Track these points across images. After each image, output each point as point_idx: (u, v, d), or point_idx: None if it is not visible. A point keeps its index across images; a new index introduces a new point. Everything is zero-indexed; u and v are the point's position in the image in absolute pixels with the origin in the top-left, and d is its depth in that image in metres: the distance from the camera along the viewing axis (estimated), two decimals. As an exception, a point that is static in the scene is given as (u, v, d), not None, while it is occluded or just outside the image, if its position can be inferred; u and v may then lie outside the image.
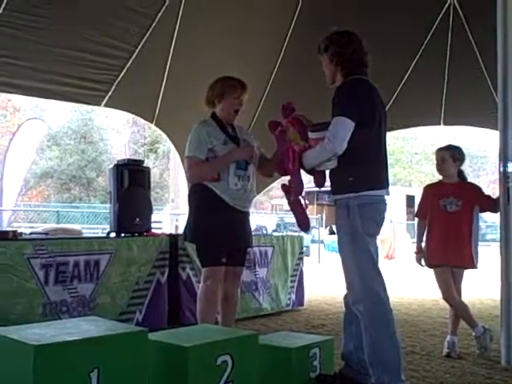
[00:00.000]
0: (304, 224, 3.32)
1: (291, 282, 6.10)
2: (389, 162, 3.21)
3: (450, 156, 4.07)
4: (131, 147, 31.20)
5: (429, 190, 4.25)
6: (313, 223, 20.01)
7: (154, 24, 6.11)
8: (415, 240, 4.28)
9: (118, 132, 32.54)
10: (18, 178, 12.03)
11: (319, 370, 3.16)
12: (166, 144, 20.47)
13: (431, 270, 4.14)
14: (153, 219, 5.11)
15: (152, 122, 7.12)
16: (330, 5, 6.65)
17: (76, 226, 9.42)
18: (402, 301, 6.94)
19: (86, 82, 6.09)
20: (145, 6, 5.96)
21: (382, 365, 2.89)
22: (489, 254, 10.20)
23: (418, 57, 7.60)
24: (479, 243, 4.10)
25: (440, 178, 4.21)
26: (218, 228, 3.57)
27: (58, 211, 18.01)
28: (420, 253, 4.14)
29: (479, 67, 7.32)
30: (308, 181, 3.64)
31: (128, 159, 5.26)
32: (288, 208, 3.42)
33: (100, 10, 5.62)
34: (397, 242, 17.21)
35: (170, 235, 5.13)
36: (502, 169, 3.85)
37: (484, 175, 35.36)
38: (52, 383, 2.12)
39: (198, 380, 2.51)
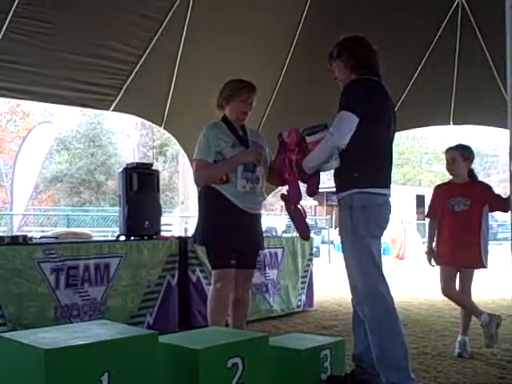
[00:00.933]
0: (304, 233, 3.32)
1: (301, 283, 6.08)
2: (398, 161, 3.23)
3: (460, 155, 4.05)
4: (140, 150, 31.38)
5: (439, 189, 4.25)
6: (322, 224, 20.03)
7: (161, 28, 6.12)
8: (425, 240, 4.26)
9: (127, 135, 32.74)
10: (29, 182, 12.08)
11: (330, 372, 3.15)
12: (175, 146, 20.47)
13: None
14: (163, 222, 5.14)
15: (161, 126, 7.13)
16: (337, 4, 6.64)
17: (86, 230, 9.47)
18: (412, 301, 6.91)
19: (94, 86, 6.10)
20: (152, 11, 5.98)
21: (390, 365, 2.89)
22: (500, 252, 10.13)
23: (426, 56, 7.57)
24: (490, 242, 4.07)
25: (450, 177, 4.19)
26: (227, 230, 3.57)
27: (67, 215, 18.14)
28: (431, 253, 4.12)
29: (488, 66, 7.28)
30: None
31: (137, 162, 5.30)
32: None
33: (108, 15, 5.64)
34: (407, 242, 17.17)
35: (180, 238, 5.14)
36: (512, 167, 3.81)
37: (494, 174, 35.16)
38: (63, 387, 2.13)
39: (209, 382, 2.51)
